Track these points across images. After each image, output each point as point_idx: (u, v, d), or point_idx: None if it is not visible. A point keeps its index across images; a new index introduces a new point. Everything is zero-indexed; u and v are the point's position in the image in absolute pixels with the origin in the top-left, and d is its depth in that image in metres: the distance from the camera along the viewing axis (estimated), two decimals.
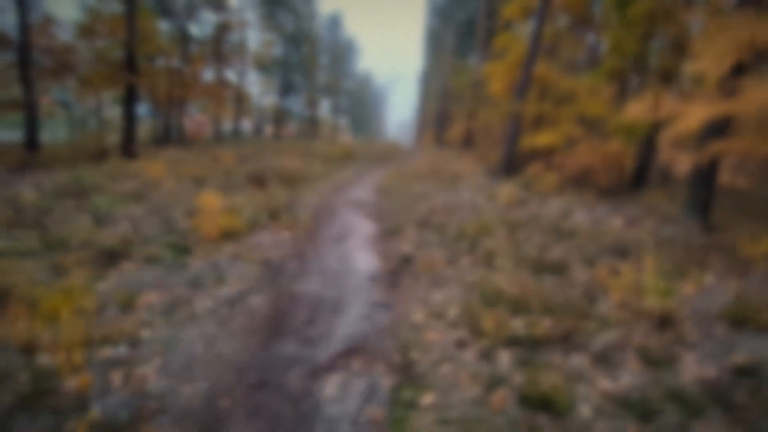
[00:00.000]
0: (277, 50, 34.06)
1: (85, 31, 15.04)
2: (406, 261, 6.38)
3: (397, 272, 6.05)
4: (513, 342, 3.95)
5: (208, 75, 26.44)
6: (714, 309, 4.55)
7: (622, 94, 12.46)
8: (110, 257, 5.71)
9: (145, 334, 3.92)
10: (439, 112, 36.91)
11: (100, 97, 17.00)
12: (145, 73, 19.04)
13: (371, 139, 45.89)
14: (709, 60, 6.33)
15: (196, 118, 29.06)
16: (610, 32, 10.86)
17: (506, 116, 14.50)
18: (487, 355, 3.81)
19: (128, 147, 16.12)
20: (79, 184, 9.81)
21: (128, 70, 16.12)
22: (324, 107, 51.05)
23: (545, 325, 4.09)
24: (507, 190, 10.04)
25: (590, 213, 9.03)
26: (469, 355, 3.83)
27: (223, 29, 25.51)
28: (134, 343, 3.75)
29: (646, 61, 11.43)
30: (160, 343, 3.79)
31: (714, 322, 4.37)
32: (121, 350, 3.60)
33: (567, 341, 3.99)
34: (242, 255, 6.19)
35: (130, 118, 16.41)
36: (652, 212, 9.14)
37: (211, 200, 7.34)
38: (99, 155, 15.75)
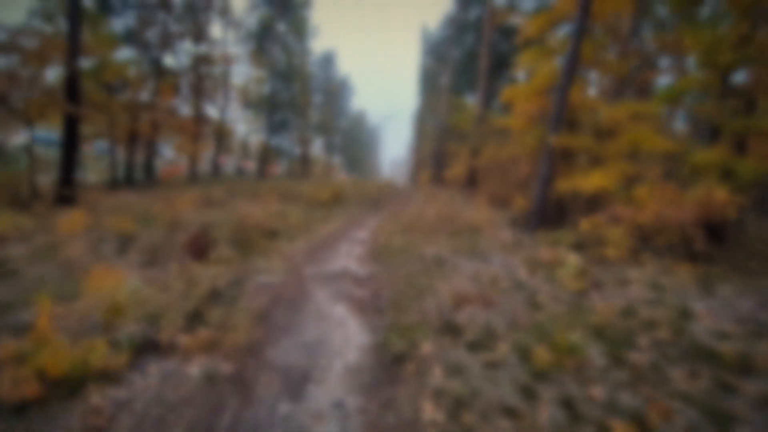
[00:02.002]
0: (265, 87, 31.35)
1: (5, 49, 11.91)
2: None
3: None
4: None
5: (185, 110, 23.36)
6: None
7: (696, 126, 9.22)
8: None
9: None
10: (437, 151, 34.04)
11: (34, 129, 13.60)
12: (101, 105, 15.78)
13: (365, 178, 42.82)
14: None
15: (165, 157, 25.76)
16: (695, 36, 7.77)
17: (532, 152, 11.22)
18: None
19: (64, 191, 12.60)
20: None
21: (68, 99, 12.83)
22: (317, 146, 48.29)
23: None
24: (572, 261, 6.52)
25: (715, 302, 5.48)
26: None
27: (202, 61, 22.62)
28: None
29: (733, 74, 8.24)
30: None
31: None
32: None
33: None
34: None
35: (67, 157, 12.97)
36: None
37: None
38: (25, 200, 12.21)
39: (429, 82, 45.10)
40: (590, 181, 9.21)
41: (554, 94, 9.95)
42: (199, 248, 7.16)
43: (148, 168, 21.14)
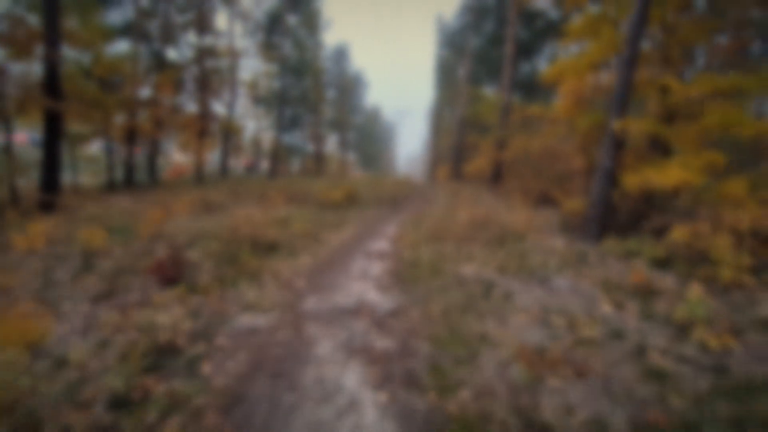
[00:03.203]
0: (276, 82, 29.60)
1: None
2: None
3: None
4: None
5: (191, 106, 21.75)
6: None
7: None
8: None
9: None
10: (456, 145, 31.90)
11: (11, 127, 12.09)
12: (94, 101, 14.20)
13: (381, 175, 40.89)
14: None
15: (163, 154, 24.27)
16: None
17: (583, 140, 9.13)
18: None
19: (44, 196, 11.03)
20: None
21: (48, 93, 11.22)
22: (331, 142, 46.53)
23: None
24: (695, 296, 4.44)
25: None
26: None
27: (207, 54, 20.94)
28: None
29: None
30: None
31: None
32: None
33: None
34: None
35: (49, 157, 11.38)
36: None
37: None
38: (0, 207, 10.68)
39: (445, 74, 42.83)
40: (668, 175, 7.11)
41: (618, 67, 7.82)
42: (169, 274, 5.36)
43: (151, 169, 19.61)
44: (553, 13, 26.09)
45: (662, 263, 6.21)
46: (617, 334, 4.10)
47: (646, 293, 5.15)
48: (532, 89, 27.32)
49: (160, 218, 9.17)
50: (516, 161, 18.41)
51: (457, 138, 32.06)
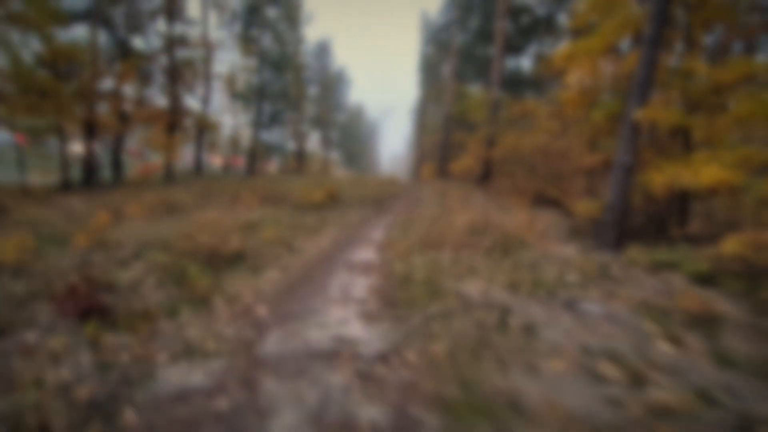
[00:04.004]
0: (254, 76, 27.93)
1: None
2: None
3: None
4: None
5: (161, 101, 20.01)
6: None
7: None
8: None
9: None
10: (442, 143, 30.80)
11: None
12: (47, 91, 12.52)
13: (365, 174, 39.54)
14: None
15: (132, 150, 22.51)
16: None
17: (594, 134, 8.02)
18: None
19: None
20: None
21: None
22: (314, 140, 44.97)
23: None
24: None
25: None
26: None
27: (177, 43, 19.25)
28: None
29: None
30: None
31: None
32: None
33: None
34: None
35: None
36: None
37: None
38: None
39: (430, 71, 41.70)
40: (702, 173, 6.01)
41: (642, 48, 6.69)
42: (83, 303, 3.97)
43: (116, 167, 17.86)
44: (540, 10, 25.24)
45: (706, 279, 5.08)
46: (701, 395, 2.90)
47: (704, 322, 4.00)
48: (519, 86, 26.42)
49: (105, 224, 7.69)
50: (506, 159, 17.34)
51: (442, 136, 30.96)
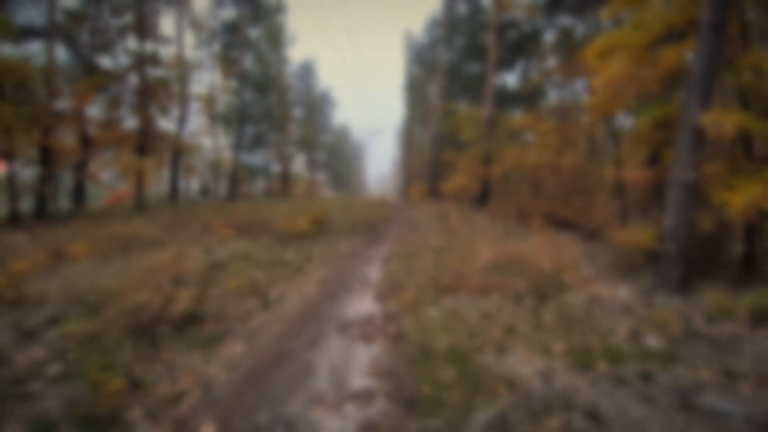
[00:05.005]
0: (236, 98, 26.38)
1: None
2: None
3: None
4: None
5: (131, 122, 18.21)
6: None
7: None
8: None
9: None
10: (432, 162, 29.46)
11: None
12: None
13: (353, 196, 37.90)
14: None
15: (101, 177, 20.59)
16: None
17: (640, 142, 6.55)
18: None
19: None
20: None
21: None
22: (299, 162, 43.31)
23: None
24: None
25: None
26: None
27: (147, 61, 17.61)
28: None
29: None
30: None
31: None
32: None
33: None
34: None
35: None
36: None
37: None
38: None
39: (416, 91, 40.79)
40: None
41: (700, 37, 5.28)
42: None
43: (78, 195, 15.90)
44: (527, 26, 24.46)
45: None
46: None
47: None
48: (504, 103, 25.36)
49: (23, 273, 5.86)
50: (508, 178, 15.94)
51: (432, 155, 29.64)
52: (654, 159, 7.84)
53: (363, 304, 5.45)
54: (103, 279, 6.29)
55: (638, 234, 5.99)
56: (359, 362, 3.78)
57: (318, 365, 3.72)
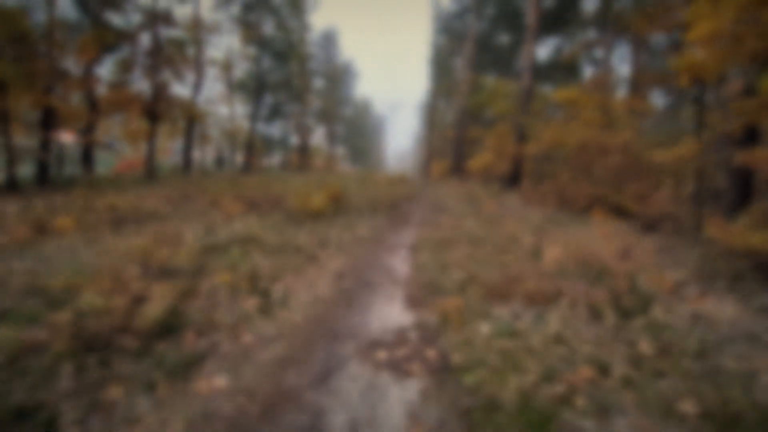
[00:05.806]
0: (254, 65, 24.94)
1: None
2: None
3: None
4: None
5: (144, 86, 17.06)
6: None
7: None
8: None
9: None
10: (456, 138, 27.71)
11: None
12: None
13: (372, 171, 36.64)
14: None
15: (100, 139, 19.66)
16: None
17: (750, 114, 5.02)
18: None
19: None
20: None
21: None
22: (318, 135, 41.92)
23: None
24: None
25: None
26: None
27: (161, 20, 16.29)
28: None
29: None
30: None
31: None
32: None
33: None
34: None
35: None
36: None
37: None
38: None
39: (441, 64, 38.46)
40: None
41: None
42: None
43: (86, 161, 14.98)
44: None
45: None
46: None
47: None
48: (538, 77, 23.28)
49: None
50: (544, 157, 14.32)
51: (457, 131, 27.88)
52: (751, 136, 6.26)
53: (391, 312, 4.20)
54: (81, 261, 5.20)
55: (755, 236, 4.49)
56: (390, 416, 2.54)
57: (330, 419, 2.50)
